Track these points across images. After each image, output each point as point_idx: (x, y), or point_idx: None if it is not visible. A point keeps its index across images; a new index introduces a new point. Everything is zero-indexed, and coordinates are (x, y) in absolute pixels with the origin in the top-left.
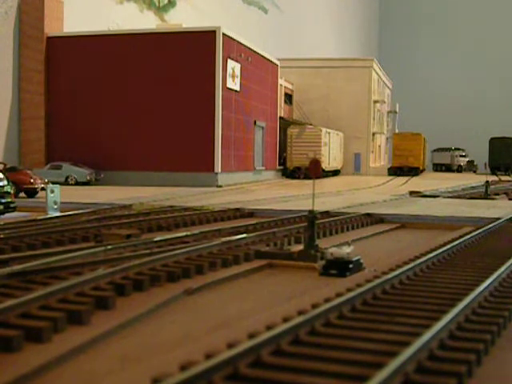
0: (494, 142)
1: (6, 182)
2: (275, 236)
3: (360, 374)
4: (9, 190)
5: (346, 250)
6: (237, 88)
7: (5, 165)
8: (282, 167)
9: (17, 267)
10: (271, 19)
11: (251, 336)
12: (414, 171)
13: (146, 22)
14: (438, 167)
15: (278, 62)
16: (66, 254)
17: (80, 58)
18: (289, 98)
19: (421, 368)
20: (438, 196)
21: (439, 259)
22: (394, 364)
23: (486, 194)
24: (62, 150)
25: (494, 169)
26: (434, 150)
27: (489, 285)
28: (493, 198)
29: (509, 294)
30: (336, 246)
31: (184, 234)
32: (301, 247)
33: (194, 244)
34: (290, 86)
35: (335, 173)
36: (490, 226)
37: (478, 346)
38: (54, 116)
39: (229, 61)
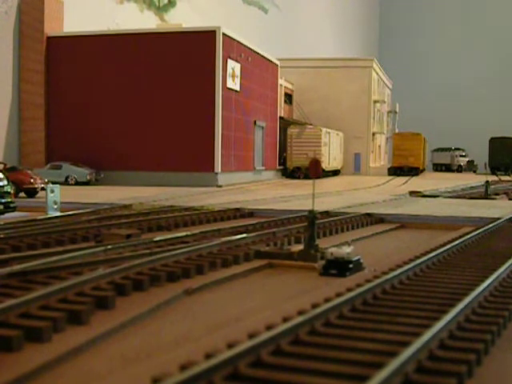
0: (494, 141)
1: (5, 182)
2: (275, 236)
3: (360, 374)
4: (9, 190)
5: (346, 249)
6: (237, 88)
7: (5, 165)
8: (282, 167)
9: (17, 267)
10: (271, 19)
11: (251, 336)
12: (414, 171)
13: (146, 22)
14: (438, 167)
15: (277, 62)
16: (65, 253)
17: (80, 57)
18: (289, 98)
19: (421, 368)
20: (438, 196)
21: (439, 259)
22: (393, 364)
23: (486, 194)
24: (62, 150)
25: (494, 169)
26: (434, 150)
27: (489, 285)
28: (493, 198)
29: (509, 294)
30: (336, 246)
31: (184, 233)
32: (301, 247)
33: (193, 244)
34: (290, 86)
35: (335, 173)
36: (490, 225)
37: (478, 346)
38: (54, 116)
39: (229, 61)
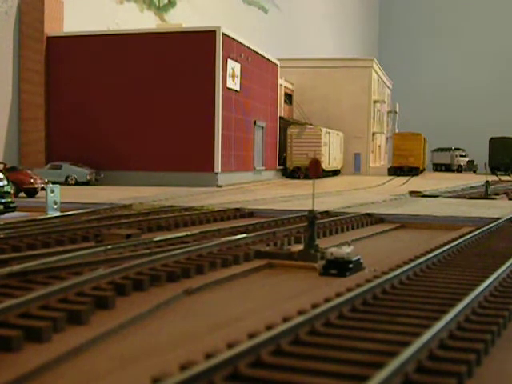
0: (494, 141)
1: (5, 182)
2: (275, 236)
3: (360, 374)
4: (9, 190)
5: (346, 249)
6: (237, 88)
7: (5, 165)
8: (282, 167)
9: (17, 267)
10: (271, 19)
11: (251, 336)
12: (414, 171)
13: (146, 22)
14: (438, 167)
15: (277, 62)
16: (65, 253)
17: (80, 57)
18: (289, 97)
19: (421, 368)
20: (437, 196)
21: (439, 259)
22: (394, 364)
23: (486, 194)
24: (62, 150)
25: (494, 169)
26: (434, 150)
27: (489, 285)
28: (493, 198)
29: (509, 294)
30: (336, 246)
31: (184, 233)
32: (301, 247)
33: (193, 244)
34: (290, 86)
35: (335, 173)
36: (490, 225)
37: (478, 345)
38: (53, 116)
39: (229, 61)
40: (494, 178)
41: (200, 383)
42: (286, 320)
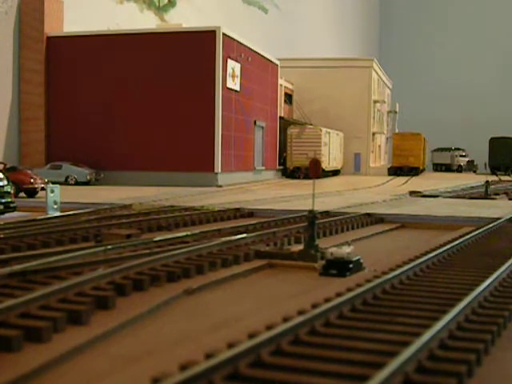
0: (494, 141)
1: (5, 182)
2: (275, 236)
3: (360, 374)
4: (9, 190)
5: (346, 249)
6: (237, 88)
7: (5, 165)
8: (282, 167)
9: (17, 267)
10: (271, 19)
11: (251, 336)
12: (414, 171)
13: (146, 22)
14: (438, 167)
15: (278, 62)
16: (65, 253)
17: (80, 57)
18: (289, 98)
19: (421, 368)
20: (437, 196)
21: (439, 259)
22: (394, 364)
23: (486, 193)
24: (62, 150)
25: (494, 169)
26: (434, 150)
27: (489, 285)
28: (493, 198)
29: (509, 294)
30: (336, 246)
31: (184, 233)
32: (301, 247)
33: (193, 244)
34: (290, 86)
35: (335, 173)
36: (490, 225)
37: (478, 345)
38: (54, 116)
39: (229, 61)
40: (494, 178)
41: (200, 383)
42: (286, 320)
